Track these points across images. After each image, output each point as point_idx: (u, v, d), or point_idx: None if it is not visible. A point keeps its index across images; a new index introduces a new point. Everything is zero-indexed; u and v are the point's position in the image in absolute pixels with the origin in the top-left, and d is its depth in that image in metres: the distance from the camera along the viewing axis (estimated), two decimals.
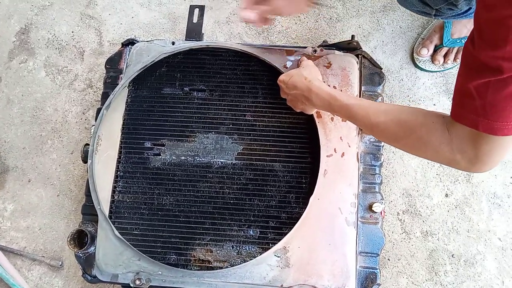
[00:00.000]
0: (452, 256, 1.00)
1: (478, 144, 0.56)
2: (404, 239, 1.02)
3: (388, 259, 1.01)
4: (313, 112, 0.94)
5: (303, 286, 0.89)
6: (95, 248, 0.95)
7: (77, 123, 1.19)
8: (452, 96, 1.08)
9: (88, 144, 1.01)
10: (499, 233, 1.00)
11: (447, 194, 1.04)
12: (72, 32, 1.27)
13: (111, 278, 0.93)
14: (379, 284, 0.90)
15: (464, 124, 0.56)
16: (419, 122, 0.64)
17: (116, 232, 0.92)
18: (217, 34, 1.21)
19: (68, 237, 0.93)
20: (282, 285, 0.89)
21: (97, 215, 0.96)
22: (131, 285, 0.91)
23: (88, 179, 0.98)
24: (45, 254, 1.12)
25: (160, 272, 0.91)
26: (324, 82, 0.98)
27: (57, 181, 1.16)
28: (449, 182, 1.04)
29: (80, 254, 0.96)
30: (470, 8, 0.83)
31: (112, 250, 0.93)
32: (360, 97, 0.99)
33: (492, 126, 0.53)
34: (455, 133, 0.59)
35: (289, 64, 1.00)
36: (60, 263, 1.10)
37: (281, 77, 0.93)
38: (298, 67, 0.98)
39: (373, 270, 0.91)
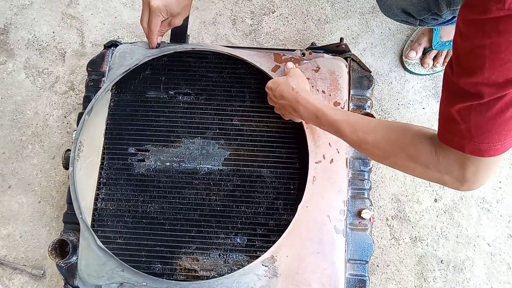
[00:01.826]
0: (441, 262, 1.00)
1: (465, 165, 0.57)
2: (393, 245, 1.01)
3: (377, 266, 1.00)
4: (300, 121, 0.92)
5: None
6: (77, 258, 0.92)
7: (59, 127, 1.16)
8: (439, 99, 1.07)
9: (70, 150, 0.98)
10: (488, 238, 1.00)
11: (436, 199, 1.03)
12: (53, 32, 1.23)
13: None
14: None
15: (450, 147, 0.57)
16: (408, 142, 0.64)
17: (99, 242, 0.89)
18: (203, 35, 1.18)
19: (49, 247, 0.90)
20: None
21: (79, 224, 0.93)
22: None
23: (69, 187, 0.95)
24: (26, 263, 1.09)
25: (145, 283, 0.88)
26: (312, 86, 0.96)
27: (38, 187, 1.12)
28: (438, 187, 1.03)
29: (62, 264, 0.93)
30: (454, 17, 0.82)
31: (94, 261, 0.90)
32: (349, 100, 0.97)
33: (479, 148, 0.54)
34: (442, 154, 0.60)
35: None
36: (42, 272, 1.07)
37: (269, 84, 0.91)
38: (285, 74, 0.95)
39: (362, 278, 0.90)
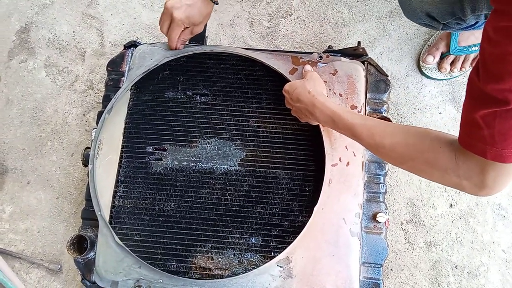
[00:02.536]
0: (456, 267, 1.00)
1: (485, 171, 0.57)
2: (407, 249, 1.01)
3: (391, 270, 1.01)
4: (317, 124, 0.93)
5: None
6: (94, 254, 0.94)
7: (78, 125, 1.18)
8: (458, 105, 1.07)
9: (89, 148, 0.99)
10: (503, 245, 1.00)
11: (451, 205, 1.03)
12: (73, 32, 1.25)
13: (111, 285, 0.92)
14: None
15: (472, 152, 0.57)
16: (427, 147, 0.64)
17: (117, 239, 0.91)
18: (221, 36, 1.20)
19: (67, 243, 0.92)
20: None
21: (97, 220, 0.95)
22: None
23: (88, 184, 0.97)
24: (43, 257, 1.11)
25: (161, 280, 0.90)
26: (329, 89, 0.97)
27: (57, 184, 1.14)
28: (454, 192, 1.03)
29: (80, 260, 0.94)
30: (477, 22, 0.82)
31: (112, 257, 0.92)
32: (365, 104, 0.97)
33: (501, 154, 0.54)
34: (462, 159, 0.60)
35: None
36: (59, 266, 1.09)
37: (286, 87, 0.92)
38: (303, 76, 0.96)
39: (376, 281, 0.90)
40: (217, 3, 0.91)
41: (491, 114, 0.52)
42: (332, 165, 0.93)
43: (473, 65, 1.06)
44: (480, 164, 0.57)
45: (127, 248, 0.91)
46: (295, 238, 0.89)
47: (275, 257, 0.89)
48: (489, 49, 0.51)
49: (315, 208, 0.90)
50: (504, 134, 0.52)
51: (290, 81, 0.96)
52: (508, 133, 0.52)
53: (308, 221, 0.90)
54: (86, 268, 0.95)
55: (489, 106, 0.52)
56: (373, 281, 0.90)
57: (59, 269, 1.09)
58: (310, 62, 0.99)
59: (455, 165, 0.60)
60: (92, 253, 0.95)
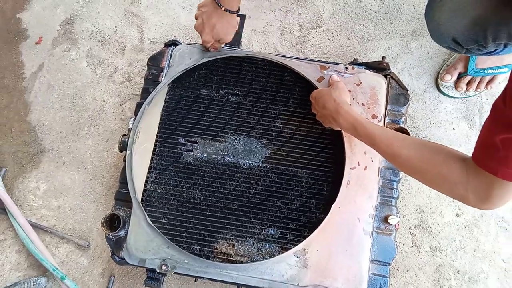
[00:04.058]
0: (458, 272, 1.07)
1: (492, 188, 0.64)
2: (414, 252, 1.09)
3: (397, 270, 1.08)
4: (339, 129, 1.00)
5: (317, 286, 0.95)
6: (125, 232, 1.02)
7: (114, 114, 1.26)
8: (471, 122, 1.14)
9: (126, 135, 1.08)
10: (504, 255, 1.07)
11: (458, 214, 1.10)
12: (115, 27, 1.34)
13: (139, 262, 0.99)
14: None
15: (484, 169, 0.64)
16: (440, 161, 0.71)
17: (149, 220, 0.99)
18: (253, 42, 1.28)
19: (102, 219, 1.00)
20: (298, 284, 0.95)
21: (129, 202, 1.03)
22: (157, 270, 0.98)
23: (123, 168, 1.05)
24: (73, 234, 1.19)
25: (187, 261, 0.97)
26: (353, 99, 1.05)
27: (91, 166, 1.23)
28: (461, 203, 1.10)
29: (111, 237, 1.02)
30: (496, 49, 0.89)
31: (143, 237, 1.00)
32: (385, 115, 1.05)
33: (511, 173, 0.60)
34: (473, 176, 0.66)
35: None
36: (88, 243, 1.17)
37: (313, 94, 1.00)
38: (329, 85, 1.04)
39: (383, 278, 0.98)
40: (240, 16, 1.01)
41: (510, 139, 0.59)
42: (351, 168, 1.01)
43: (488, 87, 1.14)
44: (489, 181, 0.64)
45: (157, 229, 0.99)
46: (311, 233, 0.96)
47: (291, 248, 0.96)
48: None
49: (333, 206, 0.97)
50: None
51: (318, 88, 1.04)
52: None
53: (325, 217, 0.97)
54: (116, 245, 1.03)
55: (510, 131, 0.58)
56: (381, 277, 0.97)
57: (87, 245, 1.17)
58: (336, 72, 1.07)
59: (465, 180, 0.67)
60: (122, 232, 1.02)
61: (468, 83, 1.15)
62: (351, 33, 1.26)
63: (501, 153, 0.60)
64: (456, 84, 1.16)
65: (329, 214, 0.97)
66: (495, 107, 0.63)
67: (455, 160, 0.70)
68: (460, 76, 1.15)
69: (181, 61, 1.11)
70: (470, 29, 0.85)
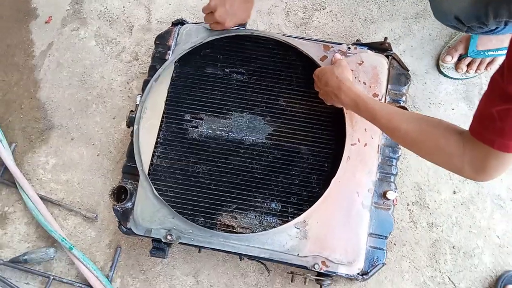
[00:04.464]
0: (453, 247, 1.10)
1: (488, 159, 0.66)
2: (411, 227, 1.12)
3: (394, 244, 1.11)
4: (341, 107, 1.03)
5: (317, 257, 0.99)
6: (131, 204, 1.05)
7: (121, 91, 1.30)
8: (470, 103, 1.17)
9: (133, 111, 1.11)
10: (498, 232, 1.10)
11: (454, 191, 1.13)
12: (123, 7, 1.37)
13: (145, 232, 1.03)
14: (384, 264, 1.00)
15: (481, 141, 0.66)
16: (438, 133, 0.74)
17: (155, 191, 1.02)
18: (258, 23, 1.30)
19: (110, 191, 1.04)
20: (298, 254, 0.99)
21: (136, 175, 1.06)
22: (163, 240, 1.02)
23: (130, 142, 1.08)
24: (81, 206, 1.22)
25: (191, 231, 1.01)
26: (355, 77, 1.07)
27: (98, 142, 1.26)
28: (458, 181, 1.13)
29: (118, 208, 1.06)
30: (497, 27, 0.92)
31: (149, 207, 1.03)
32: (386, 94, 1.08)
33: (506, 145, 0.63)
34: (469, 147, 0.69)
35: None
36: (95, 215, 1.21)
37: (316, 72, 1.03)
38: (332, 63, 1.07)
39: (380, 251, 1.01)
40: None
41: (507, 110, 0.61)
42: (351, 144, 1.03)
43: (488, 68, 1.16)
44: (485, 152, 0.66)
45: (163, 200, 1.02)
46: (312, 206, 1.00)
47: (294, 219, 1.00)
48: None
49: (333, 180, 1.00)
50: None
51: (321, 66, 1.07)
52: None
53: (325, 192, 1.01)
54: (123, 216, 1.06)
55: (507, 103, 0.60)
56: (378, 250, 1.01)
57: (95, 217, 1.20)
58: (339, 52, 1.10)
59: (461, 151, 0.70)
60: (129, 203, 1.06)
61: (469, 65, 1.17)
62: (355, 15, 1.28)
63: (498, 124, 0.63)
64: (457, 65, 1.18)
65: (329, 188, 1.00)
66: (493, 80, 0.65)
67: (452, 132, 0.72)
68: (460, 58, 1.17)
69: (187, 40, 1.14)
70: (472, 6, 0.87)
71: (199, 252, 1.12)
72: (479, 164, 0.68)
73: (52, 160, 1.27)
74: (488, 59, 1.15)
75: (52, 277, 1.15)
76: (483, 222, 1.11)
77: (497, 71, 0.64)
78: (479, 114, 0.68)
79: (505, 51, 0.63)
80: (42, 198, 1.23)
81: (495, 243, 1.09)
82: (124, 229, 1.06)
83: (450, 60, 1.17)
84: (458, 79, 1.20)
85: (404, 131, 0.79)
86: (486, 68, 1.17)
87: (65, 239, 1.16)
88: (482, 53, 1.14)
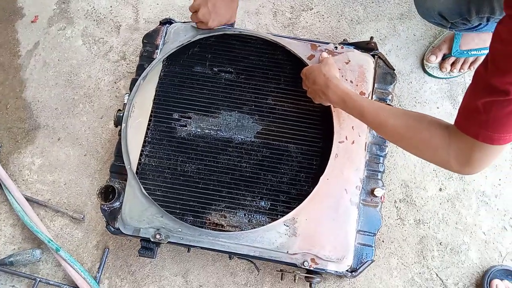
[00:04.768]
0: (440, 243, 1.12)
1: (473, 151, 0.67)
2: (398, 224, 1.13)
3: (383, 241, 1.12)
4: (329, 105, 1.04)
5: (306, 254, 0.99)
6: (119, 204, 1.04)
7: (109, 91, 1.29)
8: (454, 102, 1.19)
9: (121, 110, 1.10)
10: (484, 228, 1.12)
11: (441, 189, 1.15)
12: (111, 6, 1.36)
13: (133, 231, 1.02)
14: (372, 260, 1.01)
15: (466, 134, 0.67)
16: (424, 127, 0.75)
17: (143, 190, 1.02)
18: (246, 23, 1.31)
19: (97, 190, 1.03)
20: (287, 252, 0.99)
21: (124, 174, 1.06)
22: (151, 239, 1.01)
23: (118, 141, 1.07)
24: (68, 207, 1.21)
25: (180, 230, 1.00)
26: (342, 76, 1.09)
27: (85, 142, 1.25)
28: (444, 178, 1.15)
29: (106, 208, 1.05)
30: (480, 24, 0.94)
31: (137, 206, 1.02)
32: (372, 92, 1.09)
33: (491, 137, 0.64)
34: (454, 140, 0.70)
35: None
36: (82, 216, 1.19)
37: (304, 70, 1.04)
38: (319, 62, 1.08)
39: (369, 247, 1.02)
40: None
41: (491, 102, 0.62)
42: (339, 142, 1.04)
43: (471, 67, 1.19)
44: (470, 144, 0.67)
45: (151, 199, 1.01)
46: (301, 203, 1.00)
47: (283, 216, 1.00)
48: (500, 47, 0.61)
49: (321, 178, 1.01)
50: (498, 120, 0.62)
51: (308, 65, 1.08)
52: (502, 120, 0.62)
53: (313, 189, 1.01)
54: (111, 216, 1.05)
55: (491, 95, 0.62)
56: (367, 247, 1.02)
57: (82, 218, 1.19)
58: (326, 51, 1.11)
59: (447, 145, 0.71)
60: (117, 203, 1.05)
61: (452, 64, 1.19)
62: (341, 16, 1.29)
63: (482, 116, 0.64)
64: (441, 65, 1.20)
65: (317, 186, 1.01)
66: (477, 73, 0.67)
67: (438, 126, 0.74)
68: (444, 58, 1.20)
69: (175, 38, 1.14)
70: (455, 2, 0.89)
71: (188, 251, 1.11)
72: (464, 156, 0.69)
73: (38, 161, 1.25)
74: (471, 59, 1.18)
75: (38, 279, 1.13)
76: (469, 219, 1.12)
77: (481, 64, 0.66)
78: (464, 107, 0.70)
79: (487, 51, 0.65)
80: (28, 199, 1.21)
81: (481, 239, 1.11)
82: (112, 229, 1.05)
83: (435, 60, 1.20)
84: (442, 78, 1.22)
85: (391, 127, 0.80)
86: (469, 67, 1.19)
87: (52, 240, 1.14)
88: (465, 52, 1.16)
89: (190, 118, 1.12)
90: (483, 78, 0.64)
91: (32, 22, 1.37)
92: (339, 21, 1.29)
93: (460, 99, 1.20)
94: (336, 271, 0.99)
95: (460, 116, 0.70)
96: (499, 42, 0.61)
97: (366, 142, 1.06)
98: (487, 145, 0.65)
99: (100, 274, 1.15)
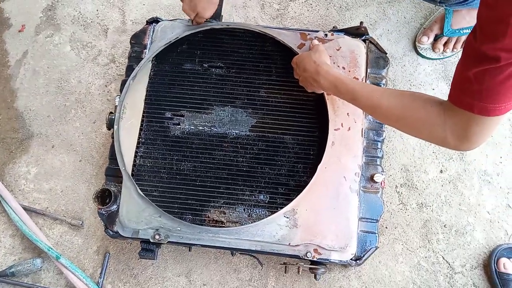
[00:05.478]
0: (444, 226, 1.10)
1: (470, 125, 0.66)
2: (401, 209, 1.12)
3: (386, 227, 1.11)
4: (322, 92, 1.03)
5: (308, 245, 0.97)
6: (117, 207, 1.03)
7: (100, 95, 1.27)
8: (449, 82, 1.17)
9: (112, 113, 1.09)
10: (488, 207, 1.10)
11: (441, 170, 1.13)
12: (97, 10, 1.35)
13: (132, 233, 1.01)
14: (377, 247, 0.99)
15: (460, 107, 0.65)
16: (419, 105, 0.73)
17: (139, 191, 1.00)
18: (234, 17, 1.30)
19: (93, 194, 1.01)
20: (289, 243, 0.97)
21: (119, 177, 1.04)
22: (151, 240, 0.99)
23: (112, 144, 1.06)
24: (66, 214, 1.20)
25: (179, 228, 0.99)
26: (334, 63, 1.07)
27: (80, 148, 1.24)
28: (444, 160, 1.13)
29: (103, 212, 1.03)
30: None
31: (134, 207, 1.01)
32: (366, 78, 1.07)
33: (486, 108, 0.62)
34: (449, 115, 0.68)
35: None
36: (81, 222, 1.18)
37: (294, 59, 1.03)
38: (310, 49, 1.06)
39: (372, 234, 1.00)
40: None
41: (483, 72, 0.60)
42: (335, 130, 1.03)
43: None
44: (466, 118, 0.65)
45: (148, 199, 1.00)
46: (300, 194, 0.99)
47: (283, 208, 0.98)
48: (486, 12, 0.59)
49: (319, 167, 0.99)
50: (492, 89, 0.60)
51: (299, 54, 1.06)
52: (496, 89, 0.60)
53: (312, 178, 0.99)
54: (109, 219, 1.04)
55: (482, 64, 0.60)
56: (370, 234, 1.00)
57: (81, 224, 1.18)
58: (316, 39, 1.09)
59: (442, 121, 0.69)
60: (114, 206, 1.04)
61: (445, 44, 1.18)
62: (330, 3, 1.28)
63: (475, 87, 0.62)
64: (433, 45, 1.19)
65: (315, 175, 0.99)
66: (467, 43, 0.65)
67: (432, 103, 0.72)
68: (436, 38, 1.18)
69: (163, 36, 1.12)
70: None
71: (189, 250, 1.10)
72: (461, 131, 0.68)
73: (34, 170, 1.24)
74: (463, 37, 1.16)
75: None
76: (472, 199, 1.11)
77: (470, 33, 0.64)
78: (456, 80, 0.68)
79: None
80: (25, 208, 1.20)
81: (486, 218, 1.09)
82: (111, 233, 1.04)
83: (427, 41, 1.18)
84: (436, 59, 1.20)
85: (385, 108, 0.78)
86: (462, 46, 1.17)
87: (52, 248, 1.13)
88: (457, 31, 1.14)
89: (183, 116, 1.10)
90: (473, 47, 0.62)
91: (19, 31, 1.36)
92: (327, 9, 1.28)
93: None
94: (340, 260, 0.97)
95: (453, 90, 0.68)
96: (485, 7, 0.60)
97: (362, 128, 1.04)
98: (483, 117, 0.63)
99: (102, 279, 1.14)
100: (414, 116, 0.74)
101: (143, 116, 1.10)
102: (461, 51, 1.17)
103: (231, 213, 1.04)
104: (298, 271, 1.01)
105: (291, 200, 1.00)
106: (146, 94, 1.11)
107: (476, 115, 0.64)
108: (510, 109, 0.63)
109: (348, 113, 1.04)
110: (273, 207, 1.03)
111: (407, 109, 0.75)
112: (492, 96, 0.61)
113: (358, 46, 1.09)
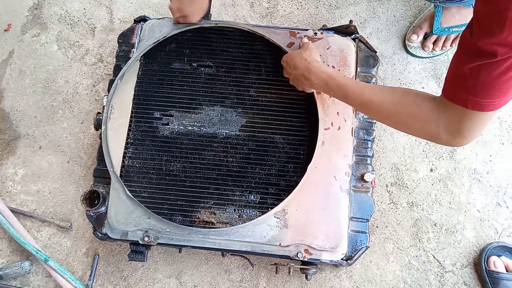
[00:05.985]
0: (435, 225, 1.10)
1: (463, 120, 0.65)
2: (391, 208, 1.12)
3: (377, 227, 1.10)
4: (312, 91, 1.02)
5: (299, 245, 0.97)
6: (105, 208, 1.02)
7: (88, 95, 1.26)
8: (439, 80, 1.17)
9: (100, 113, 1.07)
10: (478, 206, 1.10)
11: (431, 169, 1.13)
12: (84, 9, 1.33)
13: (121, 235, 1.00)
14: (367, 247, 0.99)
15: (454, 103, 0.65)
16: (411, 101, 0.73)
17: (128, 192, 0.99)
18: (223, 15, 1.29)
19: (81, 196, 1.00)
20: (280, 244, 0.97)
21: (108, 178, 1.03)
22: (140, 242, 0.98)
23: (100, 144, 1.04)
24: (54, 216, 1.18)
25: (168, 230, 0.98)
26: (323, 62, 1.06)
27: (68, 149, 1.22)
28: (434, 158, 1.13)
29: (92, 214, 1.02)
30: None
31: (123, 209, 1.00)
32: (356, 76, 1.07)
33: (481, 103, 0.62)
34: (443, 110, 0.68)
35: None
36: (69, 224, 1.16)
37: (284, 58, 1.02)
38: (300, 48, 1.06)
39: (363, 234, 1.00)
40: None
41: (478, 67, 0.59)
42: (325, 129, 1.02)
43: (453, 45, 1.17)
44: (459, 113, 0.65)
45: (136, 201, 0.99)
46: (290, 194, 0.98)
47: (273, 208, 0.98)
48: (483, 7, 0.58)
49: (309, 167, 0.99)
50: (487, 84, 0.60)
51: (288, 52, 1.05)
52: (491, 84, 0.60)
53: (302, 178, 0.99)
54: (98, 221, 1.03)
55: (478, 59, 0.59)
56: (360, 233, 1.00)
57: (69, 226, 1.16)
58: (306, 37, 1.09)
59: (435, 116, 0.69)
60: (103, 208, 1.02)
61: (434, 42, 1.18)
62: (319, 2, 1.27)
63: (470, 82, 0.62)
64: (423, 44, 1.19)
65: (305, 174, 0.98)
66: (462, 39, 0.64)
67: (425, 99, 0.72)
68: (426, 36, 1.18)
69: (151, 35, 1.11)
70: None
71: (179, 252, 1.09)
72: (454, 126, 0.67)
73: (21, 171, 1.22)
74: (453, 36, 1.16)
75: None
76: (462, 198, 1.11)
77: (466, 28, 0.63)
78: (450, 76, 0.67)
79: None
80: (13, 210, 1.18)
81: (476, 217, 1.10)
82: (100, 235, 1.02)
83: (416, 39, 1.18)
84: (425, 57, 1.20)
85: (377, 104, 0.78)
86: (451, 44, 1.17)
87: (40, 251, 1.11)
88: (446, 29, 1.14)
89: (172, 116, 1.09)
90: (469, 42, 0.61)
91: (5, 30, 1.34)
92: (317, 7, 1.27)
93: (444, 77, 1.18)
94: (331, 260, 0.97)
95: (447, 85, 0.68)
96: (482, 2, 0.59)
97: (352, 127, 1.04)
98: (477, 112, 0.63)
99: (91, 281, 1.13)
100: (406, 112, 0.73)
101: (131, 116, 1.08)
102: (450, 49, 1.19)
103: (221, 214, 1.03)
104: (289, 272, 1.00)
105: (282, 200, 0.99)
106: (134, 94, 1.10)
107: (470, 110, 0.63)
108: (504, 104, 0.63)
109: (338, 112, 1.04)
110: (264, 207, 1.02)
111: (399, 105, 0.75)
112: (487, 91, 0.61)
113: (348, 45, 1.09)
